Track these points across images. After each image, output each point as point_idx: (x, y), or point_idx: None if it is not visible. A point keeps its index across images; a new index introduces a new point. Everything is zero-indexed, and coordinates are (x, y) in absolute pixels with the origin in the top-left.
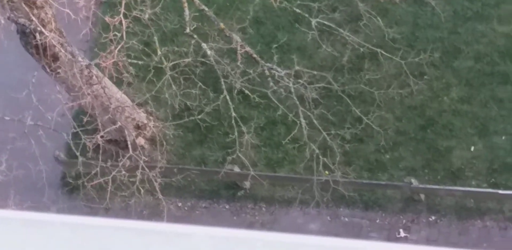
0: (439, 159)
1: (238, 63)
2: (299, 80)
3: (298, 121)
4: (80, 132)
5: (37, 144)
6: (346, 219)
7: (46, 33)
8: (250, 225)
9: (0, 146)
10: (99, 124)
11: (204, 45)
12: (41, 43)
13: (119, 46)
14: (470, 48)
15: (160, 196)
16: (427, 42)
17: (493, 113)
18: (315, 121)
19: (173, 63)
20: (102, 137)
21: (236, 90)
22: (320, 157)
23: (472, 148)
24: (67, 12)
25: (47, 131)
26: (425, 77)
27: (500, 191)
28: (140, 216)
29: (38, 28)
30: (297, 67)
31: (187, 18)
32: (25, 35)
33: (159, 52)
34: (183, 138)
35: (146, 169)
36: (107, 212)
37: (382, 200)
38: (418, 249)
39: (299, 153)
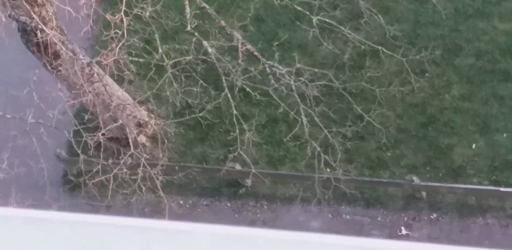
0: (441, 156)
1: (239, 61)
2: (300, 78)
3: (299, 119)
4: (81, 130)
5: (39, 142)
6: (348, 217)
7: (47, 31)
8: (252, 223)
9: (2, 144)
10: (100, 122)
11: (205, 43)
12: (42, 41)
13: (120, 44)
14: (471, 46)
15: (162, 194)
16: (428, 40)
17: (494, 110)
18: (316, 119)
19: (174, 61)
20: (103, 134)
21: (237, 88)
22: (322, 154)
23: (474, 146)
24: (68, 10)
25: (48, 129)
26: (426, 74)
27: (502, 189)
28: (142, 214)
29: (39, 26)
30: (298, 65)
31: (188, 16)
32: (26, 33)
33: (160, 50)
34: (184, 136)
35: (148, 166)
36: (109, 209)
37: (383, 198)
38: (419, 246)
39: (300, 151)
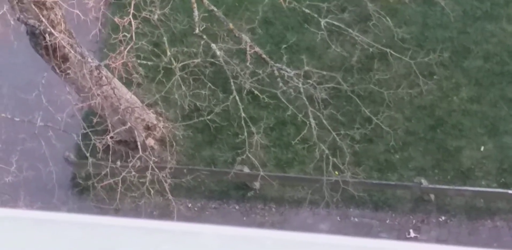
0: (449, 159)
1: (248, 64)
2: (309, 81)
3: (307, 122)
4: (90, 133)
5: (47, 145)
6: (356, 219)
7: (55, 34)
8: (260, 226)
9: (11, 147)
10: (109, 125)
11: (213, 45)
12: (51, 44)
13: (128, 47)
14: (479, 48)
15: (170, 197)
16: (436, 42)
17: (503, 113)
18: (324, 121)
19: (182, 63)
20: (112, 137)
21: (245, 91)
22: (330, 157)
23: (482, 148)
24: (76, 13)
25: (57, 132)
26: (435, 77)
27: (510, 191)
28: (150, 217)
29: (48, 29)
30: (306, 68)
31: (196, 19)
32: (35, 36)
33: (168, 53)
34: (192, 139)
35: (156, 169)
36: (117, 212)
37: (392, 200)
38: (427, 247)
39: (308, 153)
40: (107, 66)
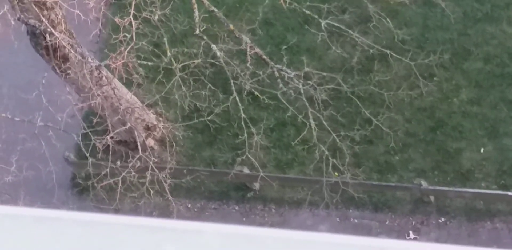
0: (449, 160)
1: (248, 65)
2: (309, 82)
3: (307, 123)
4: (90, 133)
5: (47, 145)
6: (356, 221)
7: (56, 34)
8: (260, 226)
9: (11, 147)
10: (109, 125)
11: (213, 46)
12: (51, 44)
13: (128, 47)
14: (479, 50)
15: (170, 197)
16: (436, 44)
17: (503, 115)
18: (324, 122)
19: (182, 64)
20: (111, 138)
21: (245, 92)
22: (330, 158)
23: (482, 150)
24: (77, 13)
25: (57, 132)
26: (435, 78)
27: (510, 193)
28: (150, 217)
29: (48, 29)
30: (306, 69)
31: (196, 20)
32: (35, 36)
33: (168, 54)
34: (192, 139)
35: (156, 170)
36: (117, 213)
37: (391, 202)
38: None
39: (308, 154)
40: (107, 66)
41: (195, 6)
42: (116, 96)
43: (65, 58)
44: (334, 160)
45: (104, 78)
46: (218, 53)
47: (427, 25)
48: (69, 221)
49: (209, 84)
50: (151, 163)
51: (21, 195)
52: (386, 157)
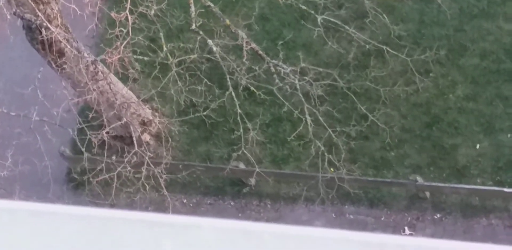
0: (445, 156)
1: (244, 60)
2: (305, 77)
3: (303, 118)
4: (85, 128)
5: (43, 140)
6: (351, 216)
7: (52, 29)
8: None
9: (6, 141)
10: (105, 120)
11: (210, 41)
12: (47, 39)
13: (125, 42)
14: (476, 46)
15: (165, 192)
16: (433, 40)
17: (498, 111)
18: (320, 118)
19: (178, 59)
20: (107, 132)
21: (241, 87)
22: (326, 154)
23: (478, 146)
24: (73, 7)
25: (52, 127)
26: (431, 74)
27: (506, 189)
28: (146, 212)
29: (44, 24)
30: (302, 64)
31: (193, 15)
32: (31, 30)
33: (164, 49)
34: (188, 134)
35: (152, 165)
36: (112, 208)
37: (387, 198)
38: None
39: (304, 150)
40: (103, 61)
41: (192, 1)
42: (112, 91)
43: (61, 53)
44: (330, 156)
45: (100, 73)
46: (214, 48)
47: (423, 21)
48: (65, 215)
49: (205, 80)
50: (146, 158)
51: (17, 189)
52: (382, 153)
